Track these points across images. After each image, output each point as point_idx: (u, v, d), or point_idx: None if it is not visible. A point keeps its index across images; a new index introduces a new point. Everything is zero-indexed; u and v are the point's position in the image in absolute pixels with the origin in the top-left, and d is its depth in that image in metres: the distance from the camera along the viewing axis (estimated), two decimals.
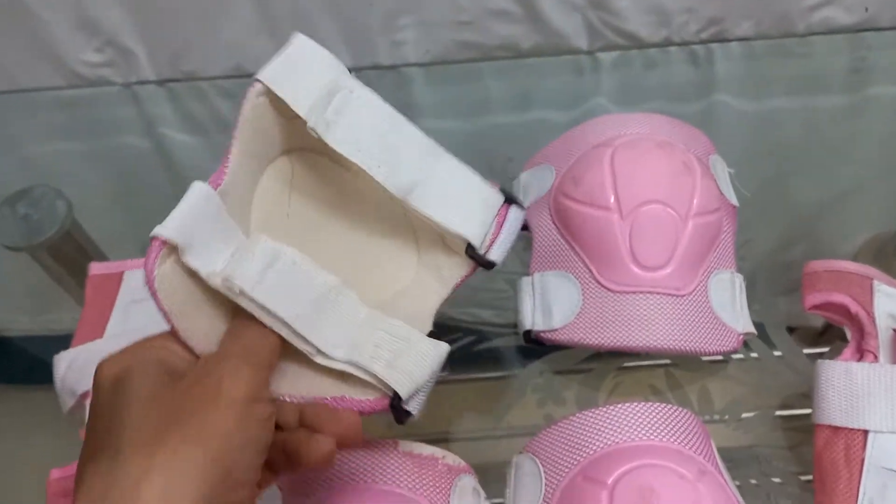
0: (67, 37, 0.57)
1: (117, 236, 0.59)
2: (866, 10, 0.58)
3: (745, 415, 0.46)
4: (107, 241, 0.56)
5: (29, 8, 0.55)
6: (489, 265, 0.37)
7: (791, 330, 0.52)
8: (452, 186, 0.36)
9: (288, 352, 0.32)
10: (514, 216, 0.39)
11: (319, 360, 0.33)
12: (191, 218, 0.29)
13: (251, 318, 0.30)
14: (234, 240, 0.31)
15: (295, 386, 0.33)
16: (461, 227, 0.36)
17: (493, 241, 0.37)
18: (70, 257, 0.54)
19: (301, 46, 0.34)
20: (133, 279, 0.46)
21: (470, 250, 0.36)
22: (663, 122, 0.46)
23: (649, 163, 0.43)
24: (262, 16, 0.57)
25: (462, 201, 0.36)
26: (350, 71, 0.58)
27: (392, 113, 0.35)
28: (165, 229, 0.28)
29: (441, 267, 0.38)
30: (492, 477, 0.39)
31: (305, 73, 0.34)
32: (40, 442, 0.51)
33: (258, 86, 0.33)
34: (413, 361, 0.33)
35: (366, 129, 0.34)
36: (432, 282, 0.38)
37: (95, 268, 0.46)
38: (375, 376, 0.33)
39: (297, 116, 0.33)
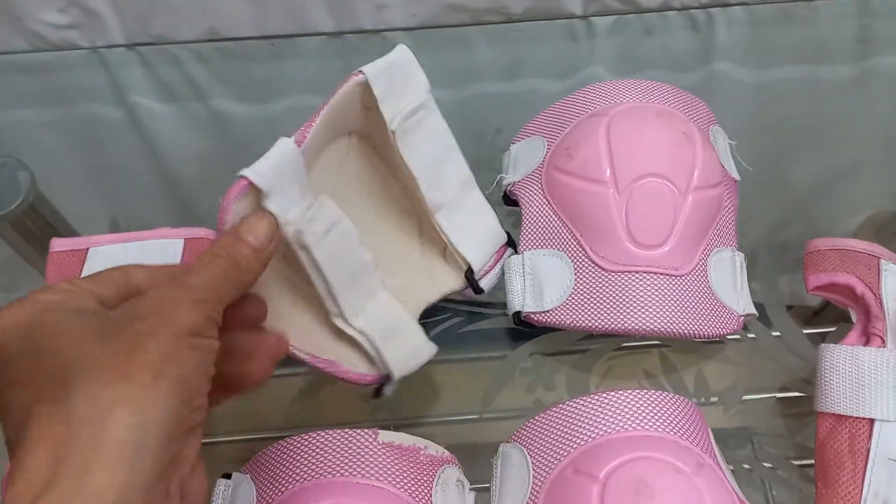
0: None
1: (85, 210, 0.56)
2: None
3: (743, 398, 0.44)
4: (74, 214, 0.54)
5: None
6: (479, 290, 0.42)
7: (787, 309, 0.50)
8: (474, 217, 0.42)
9: (298, 308, 0.37)
10: (510, 253, 0.44)
11: (339, 322, 0.37)
12: (277, 167, 0.32)
13: (227, 253, 0.30)
14: (307, 195, 0.34)
15: (297, 339, 0.36)
16: (469, 253, 0.42)
17: (487, 272, 0.42)
18: (35, 231, 0.52)
19: (405, 59, 0.39)
20: (97, 256, 0.43)
21: (469, 273, 0.42)
22: (662, 91, 0.44)
23: (647, 133, 0.41)
24: None
25: (476, 232, 0.42)
26: (333, 35, 0.58)
27: (451, 142, 0.41)
28: (255, 173, 0.31)
29: (435, 274, 0.42)
30: (481, 460, 0.38)
31: (402, 86, 0.38)
32: None
33: (361, 77, 0.37)
34: (410, 352, 0.39)
35: (428, 147, 0.40)
36: (425, 285, 0.42)
37: (57, 244, 0.44)
38: (379, 353, 0.38)
39: (375, 108, 0.38)
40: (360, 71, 0.37)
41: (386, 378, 0.38)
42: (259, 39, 0.57)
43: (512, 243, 0.44)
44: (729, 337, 0.45)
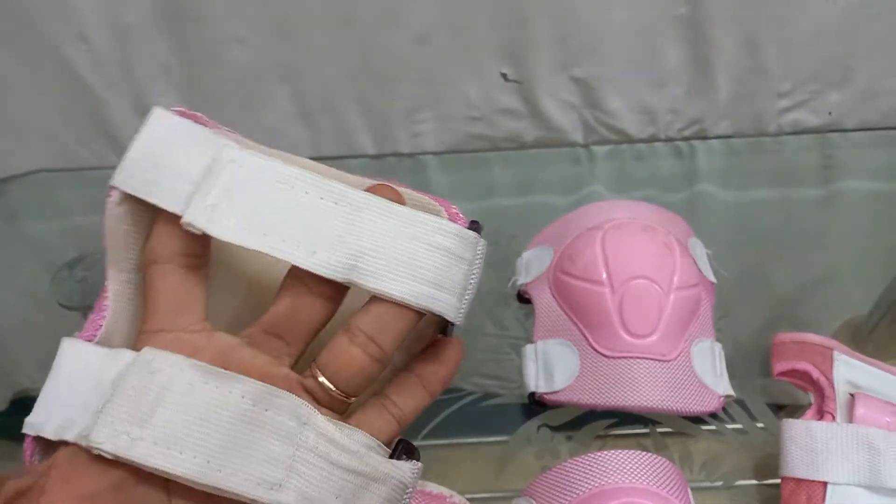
0: (128, 121, 0.64)
1: None
2: (830, 113, 0.66)
3: (731, 482, 0.49)
4: None
5: (94, 93, 0.62)
6: (446, 330, 0.30)
7: (781, 408, 0.56)
8: (408, 244, 0.26)
9: None
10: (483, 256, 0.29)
11: None
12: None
13: None
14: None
15: None
16: (432, 299, 0.26)
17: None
18: None
19: (160, 126, 0.27)
20: None
21: (449, 328, 0.29)
22: (647, 209, 0.53)
23: (635, 244, 0.49)
24: (299, 107, 0.65)
25: (426, 260, 0.27)
26: (374, 157, 0.68)
27: (301, 175, 0.26)
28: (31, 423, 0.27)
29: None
30: None
31: (171, 161, 0.26)
32: None
33: (115, 195, 0.27)
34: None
35: (268, 204, 0.26)
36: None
37: None
38: None
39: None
40: (112, 186, 0.27)
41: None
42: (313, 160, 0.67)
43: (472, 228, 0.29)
44: (715, 426, 0.52)
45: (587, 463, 0.41)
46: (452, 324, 0.28)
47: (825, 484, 0.42)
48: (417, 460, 0.29)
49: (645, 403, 0.46)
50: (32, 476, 0.25)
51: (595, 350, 0.48)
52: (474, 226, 0.30)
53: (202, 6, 0.57)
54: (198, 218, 0.26)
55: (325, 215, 0.26)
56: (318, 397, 0.27)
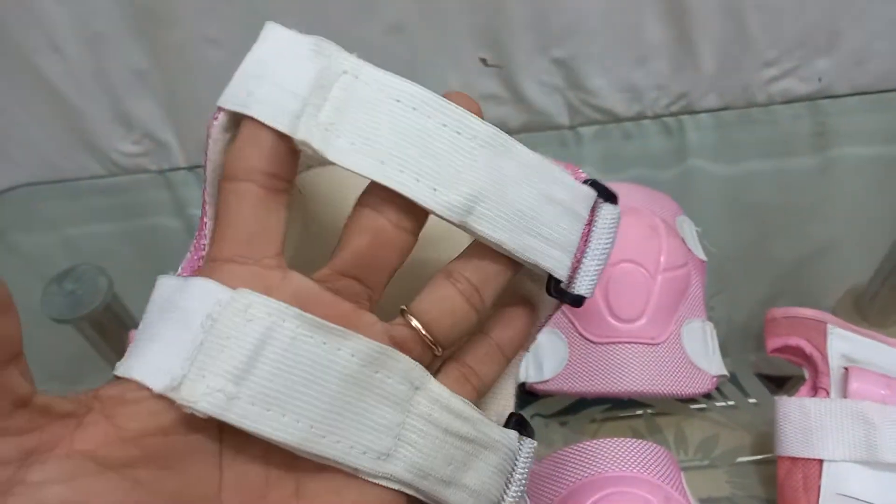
0: (107, 130, 0.64)
1: None
2: (819, 80, 0.64)
3: (728, 461, 0.49)
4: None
5: (71, 103, 0.62)
6: (577, 301, 0.26)
7: (785, 380, 0.56)
8: (526, 192, 0.24)
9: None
10: (606, 219, 0.27)
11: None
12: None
13: None
14: None
15: None
16: (542, 254, 0.24)
17: (577, 266, 0.26)
18: (110, 328, 0.60)
19: (270, 37, 0.24)
20: None
21: (554, 286, 0.25)
22: (630, 190, 0.52)
23: (618, 227, 0.49)
24: None
25: (541, 213, 0.24)
26: None
27: (424, 95, 0.23)
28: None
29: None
30: None
31: (272, 70, 0.23)
32: None
33: (221, 117, 0.24)
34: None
35: (385, 126, 0.23)
36: None
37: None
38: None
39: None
40: (219, 107, 0.24)
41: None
42: None
43: (605, 192, 0.27)
44: (716, 404, 0.51)
45: (577, 453, 0.41)
46: (559, 281, 0.25)
47: (821, 462, 0.41)
48: (531, 437, 0.28)
49: (635, 388, 0.45)
50: (72, 402, 0.21)
51: (583, 337, 0.48)
52: (597, 186, 0.27)
53: (171, 9, 0.57)
54: (313, 136, 0.22)
55: (446, 146, 0.23)
56: (406, 348, 0.24)
